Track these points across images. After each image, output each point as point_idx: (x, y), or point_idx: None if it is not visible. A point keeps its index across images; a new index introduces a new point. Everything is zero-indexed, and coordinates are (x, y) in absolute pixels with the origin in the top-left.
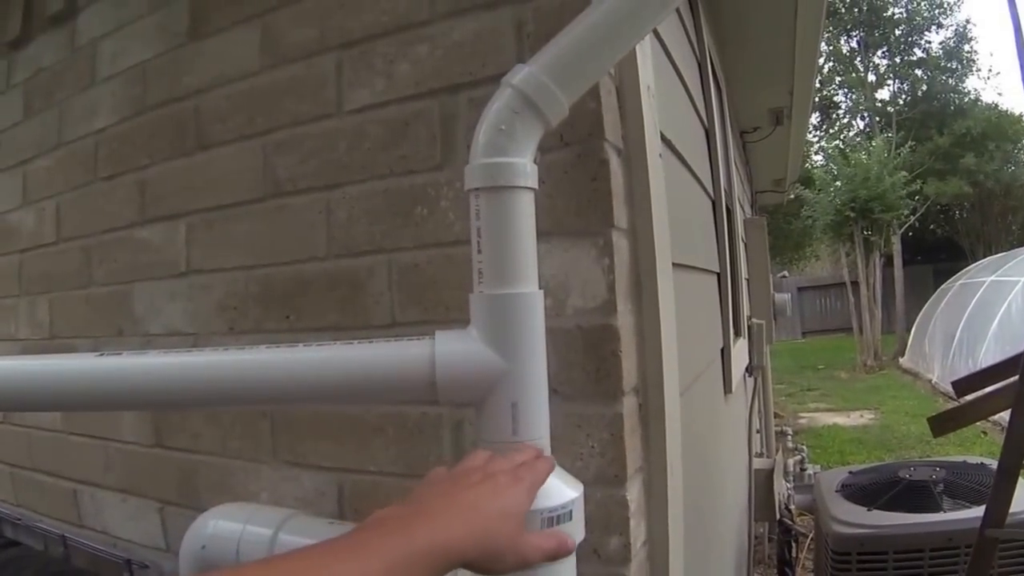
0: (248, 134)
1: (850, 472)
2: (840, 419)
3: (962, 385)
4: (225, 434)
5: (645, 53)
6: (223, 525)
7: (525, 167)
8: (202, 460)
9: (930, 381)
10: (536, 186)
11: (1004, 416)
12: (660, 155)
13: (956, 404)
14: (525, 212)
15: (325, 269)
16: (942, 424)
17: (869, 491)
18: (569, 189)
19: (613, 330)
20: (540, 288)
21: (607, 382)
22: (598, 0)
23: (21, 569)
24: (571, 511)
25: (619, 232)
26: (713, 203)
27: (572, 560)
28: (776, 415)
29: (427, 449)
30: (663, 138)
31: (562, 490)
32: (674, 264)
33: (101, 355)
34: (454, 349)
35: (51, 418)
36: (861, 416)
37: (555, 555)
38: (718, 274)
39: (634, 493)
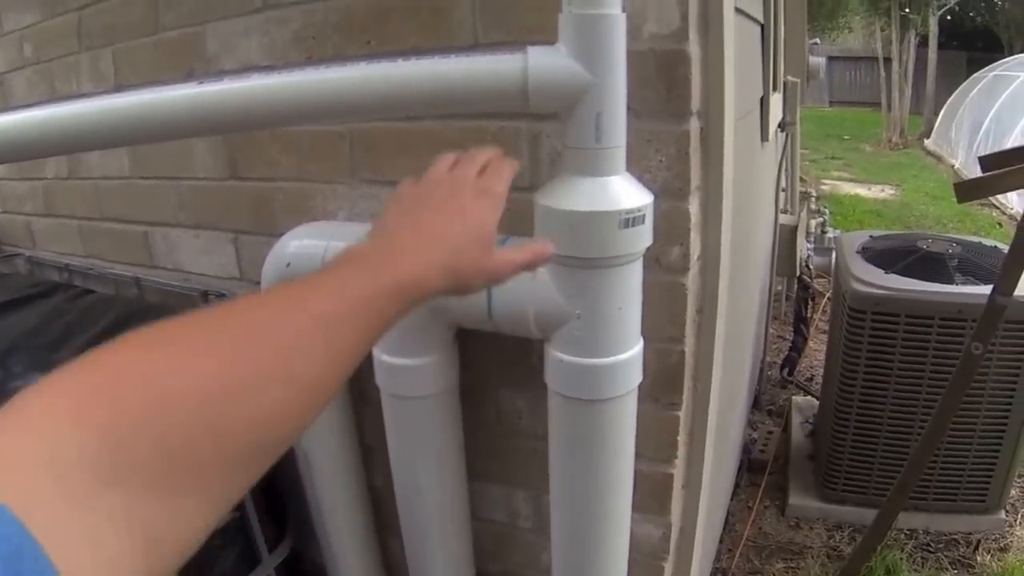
0: None
1: (871, 236)
2: (861, 190)
3: (989, 160)
4: (303, 158)
5: None
6: (307, 243)
7: None
8: (279, 187)
9: (952, 166)
10: None
11: (1019, 212)
12: None
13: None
14: None
15: None
16: (967, 191)
17: (887, 256)
18: None
19: (685, 55)
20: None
21: (677, 102)
22: None
23: (102, 314)
24: (644, 215)
25: None
26: None
27: (639, 265)
28: (800, 179)
29: None
30: None
31: (637, 195)
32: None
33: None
34: (546, 61)
35: (119, 166)
36: (882, 190)
37: (530, 265)
38: (762, 26)
39: (695, 207)
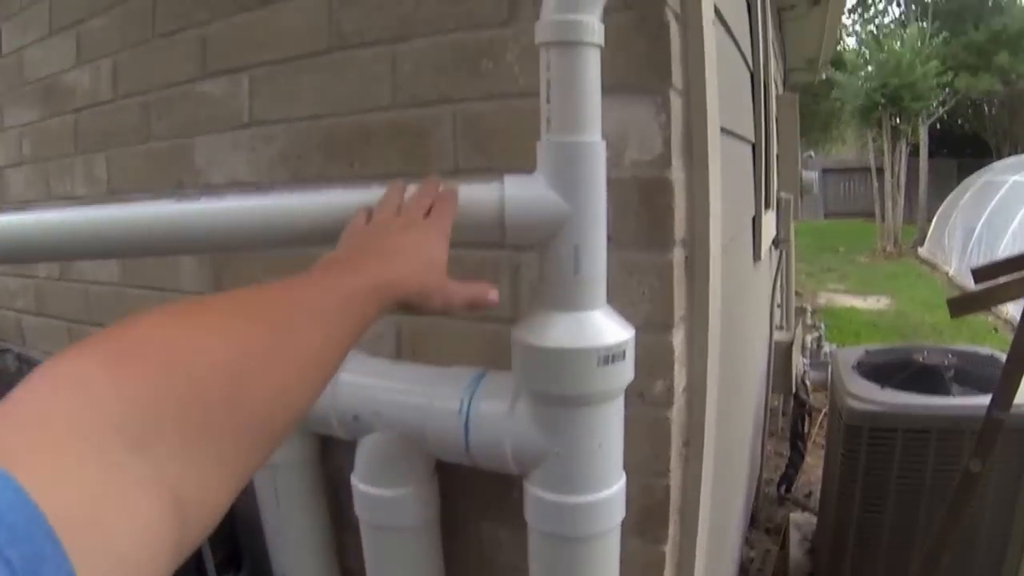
0: None
1: (866, 351)
2: (857, 302)
3: (981, 272)
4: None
5: None
6: None
7: (594, 24)
8: None
9: (947, 274)
10: (602, 43)
11: (1015, 317)
12: (713, 22)
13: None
14: (592, 67)
15: (390, 119)
16: (961, 305)
17: (883, 370)
18: (631, 48)
19: (667, 183)
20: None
21: (660, 232)
22: None
23: None
24: (624, 351)
25: (675, 92)
26: (752, 75)
27: (620, 401)
28: (796, 293)
29: None
30: (714, 7)
31: (616, 330)
32: (721, 128)
33: (151, 202)
34: (522, 192)
35: (109, 272)
36: (878, 301)
37: (475, 303)
38: (753, 145)
39: (679, 340)
